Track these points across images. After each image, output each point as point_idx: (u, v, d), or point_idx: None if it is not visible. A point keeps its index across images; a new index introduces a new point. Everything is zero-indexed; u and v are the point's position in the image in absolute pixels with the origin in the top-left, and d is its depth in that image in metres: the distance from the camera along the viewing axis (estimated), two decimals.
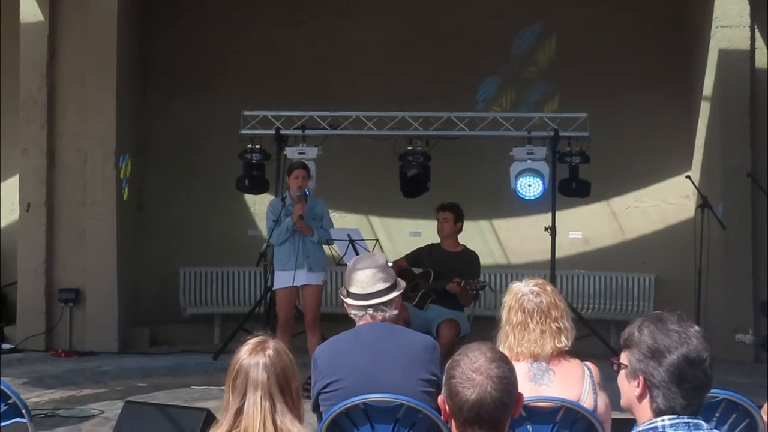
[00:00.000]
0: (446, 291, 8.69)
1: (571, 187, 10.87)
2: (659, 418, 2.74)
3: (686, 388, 2.72)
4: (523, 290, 4.23)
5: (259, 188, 11.21)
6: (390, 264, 4.86)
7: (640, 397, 2.79)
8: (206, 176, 12.46)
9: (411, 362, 4.42)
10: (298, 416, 3.12)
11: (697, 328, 2.78)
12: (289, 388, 3.12)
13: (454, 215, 9.03)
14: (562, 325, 4.18)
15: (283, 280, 8.90)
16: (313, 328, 8.86)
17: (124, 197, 11.58)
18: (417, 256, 9.17)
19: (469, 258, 9.05)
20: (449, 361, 2.83)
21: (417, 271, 9.09)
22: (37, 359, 10.80)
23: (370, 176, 12.23)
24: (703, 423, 2.76)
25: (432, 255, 9.04)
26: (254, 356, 3.12)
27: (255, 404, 3.07)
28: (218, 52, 12.67)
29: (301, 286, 8.87)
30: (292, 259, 8.82)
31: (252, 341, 3.19)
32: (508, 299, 4.26)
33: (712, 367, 2.75)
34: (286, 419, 3.07)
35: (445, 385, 2.80)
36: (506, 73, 12.55)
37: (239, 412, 3.08)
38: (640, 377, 2.77)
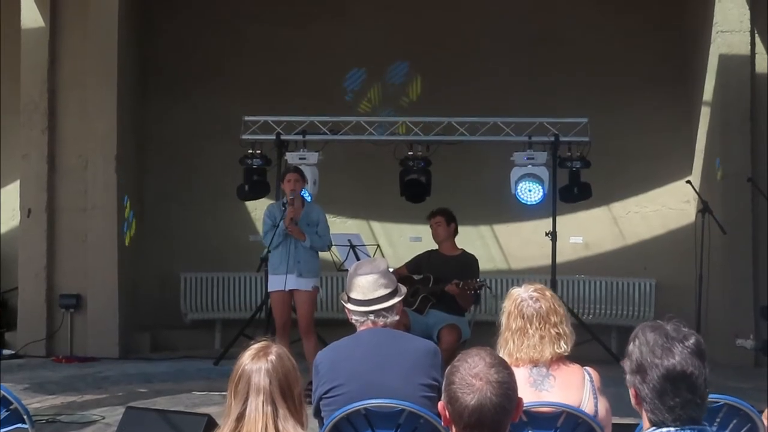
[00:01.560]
0: (446, 294, 8.70)
1: (572, 193, 10.86)
2: (665, 429, 2.74)
3: (671, 405, 2.72)
4: (522, 296, 4.23)
5: (259, 192, 11.21)
6: (391, 270, 4.87)
7: (637, 405, 2.82)
8: (207, 181, 12.46)
9: (412, 367, 4.43)
10: (301, 422, 3.12)
11: (689, 341, 2.74)
12: (291, 393, 3.12)
13: (444, 218, 9.10)
14: (561, 331, 4.18)
15: (274, 283, 8.96)
16: (308, 334, 8.88)
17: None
18: (417, 263, 9.22)
19: (468, 260, 9.08)
20: (449, 367, 2.83)
21: (416, 277, 9.10)
22: (38, 365, 10.79)
23: (370, 181, 12.23)
24: (708, 428, 2.76)
25: (431, 260, 9.07)
26: (256, 361, 3.12)
27: (257, 409, 3.07)
28: (219, 55, 12.69)
29: (292, 290, 8.88)
30: (283, 263, 8.85)
31: (255, 346, 3.19)
32: (507, 305, 4.25)
33: (701, 383, 2.72)
34: (288, 424, 3.07)
35: (444, 391, 2.80)
36: (508, 76, 12.53)
37: (241, 416, 3.08)
38: (631, 389, 2.81)
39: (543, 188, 10.51)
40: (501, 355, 4.14)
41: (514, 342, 4.18)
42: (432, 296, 8.87)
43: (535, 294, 4.22)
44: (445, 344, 8.18)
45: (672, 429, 2.73)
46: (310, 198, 9.86)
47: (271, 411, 3.07)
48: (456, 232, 9.20)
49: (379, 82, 12.79)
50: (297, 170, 9.20)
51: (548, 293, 4.25)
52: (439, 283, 8.82)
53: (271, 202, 9.98)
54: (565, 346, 4.18)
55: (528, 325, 4.17)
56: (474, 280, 8.75)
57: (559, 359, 4.18)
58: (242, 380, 3.10)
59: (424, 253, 9.32)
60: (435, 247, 9.25)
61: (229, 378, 3.15)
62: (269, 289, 9.10)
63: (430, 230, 9.23)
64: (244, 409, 3.08)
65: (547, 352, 4.15)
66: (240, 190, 11.17)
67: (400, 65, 12.76)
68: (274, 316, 9.08)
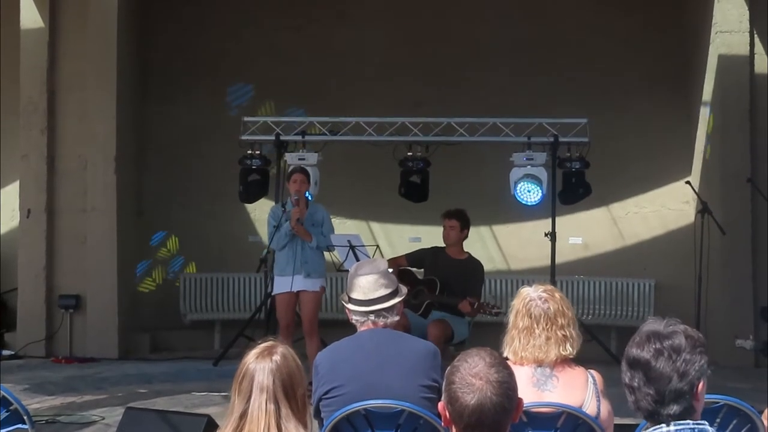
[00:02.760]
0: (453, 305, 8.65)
1: (574, 194, 10.83)
2: (663, 425, 2.76)
3: (630, 387, 2.80)
4: (531, 295, 4.24)
5: (256, 193, 11.19)
6: (388, 259, 4.87)
7: None
8: (206, 181, 12.46)
9: (412, 368, 4.43)
10: (303, 422, 3.13)
11: (668, 341, 2.78)
12: (294, 393, 3.13)
13: (460, 223, 8.97)
14: (568, 333, 4.18)
15: (281, 285, 8.96)
16: (311, 334, 8.88)
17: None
18: (419, 258, 9.11)
19: (474, 267, 9.02)
20: (449, 367, 2.84)
21: (419, 276, 9.07)
22: (38, 365, 10.79)
23: (370, 182, 12.23)
24: (709, 428, 2.77)
25: (438, 261, 8.96)
26: (261, 360, 3.13)
27: (260, 407, 3.08)
28: (218, 56, 12.68)
29: (299, 291, 8.89)
30: (290, 264, 8.86)
31: (261, 345, 3.21)
32: (516, 303, 4.27)
33: (660, 379, 2.75)
34: (290, 424, 3.08)
35: (444, 391, 2.80)
36: (508, 76, 12.53)
37: (244, 414, 3.10)
38: None
39: (541, 189, 10.50)
40: (506, 352, 4.17)
41: (519, 341, 4.19)
42: (438, 305, 8.82)
43: (544, 294, 4.23)
44: (431, 338, 8.06)
45: (671, 429, 2.75)
46: (311, 199, 9.87)
47: (273, 410, 3.08)
48: (466, 237, 9.14)
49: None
50: (303, 171, 9.20)
51: (558, 295, 4.26)
52: (444, 289, 8.75)
53: (272, 203, 9.99)
54: (571, 349, 4.18)
55: (535, 325, 4.17)
56: (489, 305, 8.66)
57: (564, 361, 4.19)
58: (246, 378, 3.12)
59: (429, 248, 9.17)
60: (437, 243, 9.18)
61: (234, 376, 3.16)
62: (275, 291, 9.09)
63: (442, 229, 9.11)
64: (247, 407, 3.09)
65: (552, 354, 4.15)
66: (240, 193, 11.18)
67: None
68: (278, 318, 9.07)
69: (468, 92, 12.30)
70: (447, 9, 12.63)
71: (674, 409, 2.74)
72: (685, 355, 2.76)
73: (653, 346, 2.76)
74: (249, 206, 12.32)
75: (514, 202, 10.74)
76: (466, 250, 9.14)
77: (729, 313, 11.08)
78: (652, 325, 2.83)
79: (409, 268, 9.07)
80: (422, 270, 9.13)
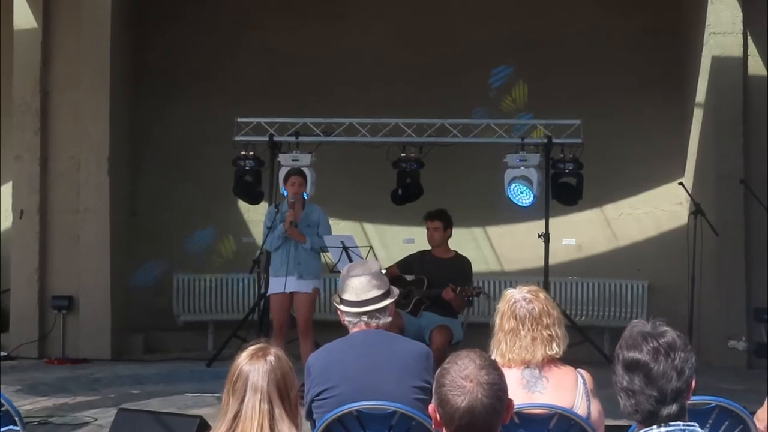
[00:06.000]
0: (440, 297, 8.69)
1: (570, 194, 10.83)
2: (655, 426, 2.76)
3: (629, 392, 2.79)
4: (515, 297, 4.24)
5: (252, 197, 11.18)
6: (383, 271, 4.89)
7: None
8: (200, 183, 12.44)
9: (405, 370, 4.43)
10: (296, 423, 3.14)
11: (662, 339, 2.79)
12: (287, 394, 3.14)
13: (443, 223, 9.07)
14: (553, 333, 4.18)
15: (274, 286, 8.97)
16: (306, 335, 8.88)
17: None
18: (408, 264, 9.20)
19: (461, 264, 9.08)
20: (439, 369, 2.84)
21: (409, 278, 9.09)
22: (30, 366, 10.78)
23: (363, 183, 12.22)
24: (698, 429, 2.77)
25: (424, 262, 9.06)
26: (255, 361, 3.14)
27: (254, 408, 3.09)
28: (212, 57, 12.66)
29: (292, 293, 8.89)
30: (284, 265, 8.86)
31: (254, 347, 3.21)
32: (501, 306, 4.27)
33: (661, 378, 2.75)
34: (283, 425, 3.09)
35: (435, 394, 2.80)
36: (501, 77, 12.55)
37: (237, 415, 3.10)
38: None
39: (532, 191, 10.50)
40: (494, 355, 4.16)
41: (506, 343, 4.19)
42: (426, 299, 8.86)
43: (528, 295, 4.23)
44: (436, 345, 8.16)
45: (662, 430, 2.75)
46: (306, 198, 9.85)
47: (267, 410, 3.08)
48: (450, 236, 9.20)
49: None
50: (300, 173, 9.20)
51: (542, 295, 4.26)
52: (433, 286, 8.81)
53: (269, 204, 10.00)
54: (557, 348, 4.18)
55: (520, 326, 4.17)
56: (471, 287, 8.73)
57: (552, 361, 4.18)
58: (240, 379, 3.12)
59: (416, 253, 9.31)
60: (427, 247, 9.24)
61: (227, 377, 3.17)
62: (269, 292, 9.09)
63: (426, 230, 9.21)
64: (241, 408, 3.10)
65: (538, 354, 4.15)
66: (245, 195, 11.19)
67: None
68: (272, 319, 9.08)
69: (463, 93, 12.31)
70: (443, 10, 12.62)
71: (673, 408, 2.75)
72: (680, 353, 2.77)
73: (650, 346, 2.76)
74: (242, 207, 12.32)
75: (507, 203, 10.75)
76: (453, 248, 9.19)
77: (722, 314, 11.08)
78: (640, 326, 2.83)
79: (403, 276, 9.11)
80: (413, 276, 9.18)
